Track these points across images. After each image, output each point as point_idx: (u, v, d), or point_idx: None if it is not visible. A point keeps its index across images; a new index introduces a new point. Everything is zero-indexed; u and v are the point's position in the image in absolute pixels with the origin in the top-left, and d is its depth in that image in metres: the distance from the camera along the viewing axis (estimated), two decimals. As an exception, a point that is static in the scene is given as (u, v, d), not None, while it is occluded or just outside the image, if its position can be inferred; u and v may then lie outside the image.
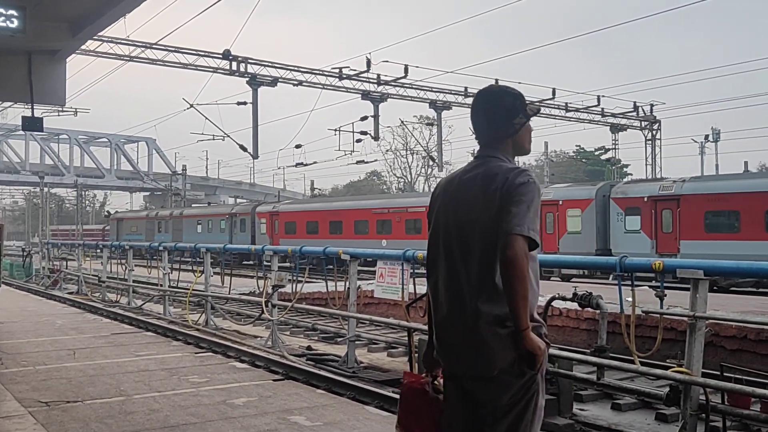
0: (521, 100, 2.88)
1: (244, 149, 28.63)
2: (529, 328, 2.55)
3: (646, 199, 23.01)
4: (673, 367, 6.20)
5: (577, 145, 67.58)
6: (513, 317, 2.54)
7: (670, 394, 6.12)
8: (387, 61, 29.30)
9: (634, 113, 38.23)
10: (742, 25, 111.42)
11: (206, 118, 29.38)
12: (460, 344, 2.70)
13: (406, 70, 29.85)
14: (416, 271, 9.37)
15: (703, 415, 5.99)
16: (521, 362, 2.58)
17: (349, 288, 10.16)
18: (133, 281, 17.85)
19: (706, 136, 47.98)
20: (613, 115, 37.93)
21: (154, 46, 26.37)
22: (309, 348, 11.82)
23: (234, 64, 27.37)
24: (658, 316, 7.36)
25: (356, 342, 10.76)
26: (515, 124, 2.84)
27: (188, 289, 14.51)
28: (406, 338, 9.07)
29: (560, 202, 25.32)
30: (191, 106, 28.18)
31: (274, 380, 7.31)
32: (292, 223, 36.91)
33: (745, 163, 45.26)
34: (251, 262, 32.01)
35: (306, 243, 31.83)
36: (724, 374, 6.57)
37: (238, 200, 67.30)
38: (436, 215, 2.89)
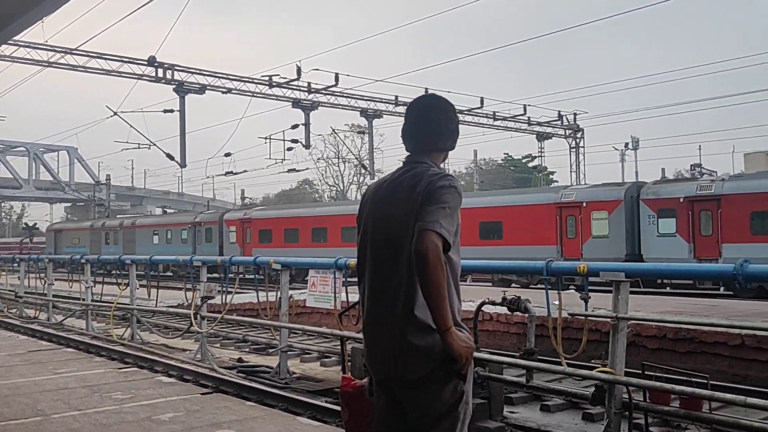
0: (455, 111, 2.94)
1: (171, 158, 28.02)
2: (451, 328, 2.53)
3: (682, 199, 21.36)
4: (598, 367, 6.37)
5: (505, 153, 68.97)
6: (433, 317, 2.52)
7: (595, 393, 6.28)
8: (318, 70, 29.28)
9: (559, 122, 39.33)
10: (666, 37, 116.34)
11: (131, 126, 28.59)
12: (387, 349, 2.69)
13: (336, 79, 29.88)
14: (349, 279, 9.34)
15: (627, 412, 6.18)
16: (448, 368, 2.58)
17: (280, 298, 10.03)
18: (54, 296, 17.15)
19: (627, 144, 49.73)
20: (539, 124, 38.91)
21: (74, 52, 25.55)
22: (240, 360, 11.60)
23: (160, 71, 26.79)
24: (584, 318, 7.57)
25: (288, 352, 10.62)
26: (453, 133, 2.89)
27: (113, 303, 14.05)
28: (339, 347, 9.01)
29: (584, 204, 23.33)
30: (115, 113, 27.39)
31: (203, 394, 7.12)
32: (267, 231, 34.59)
33: (662, 169, 47.08)
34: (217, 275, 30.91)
35: (285, 252, 30.17)
36: (646, 372, 6.78)
37: (167, 210, 65.66)
38: (365, 220, 2.88)
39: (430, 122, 2.87)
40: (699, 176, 32.39)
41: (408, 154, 2.92)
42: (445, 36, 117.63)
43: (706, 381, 6.42)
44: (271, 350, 12.25)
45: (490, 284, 24.12)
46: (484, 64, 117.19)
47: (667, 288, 21.78)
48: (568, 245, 23.48)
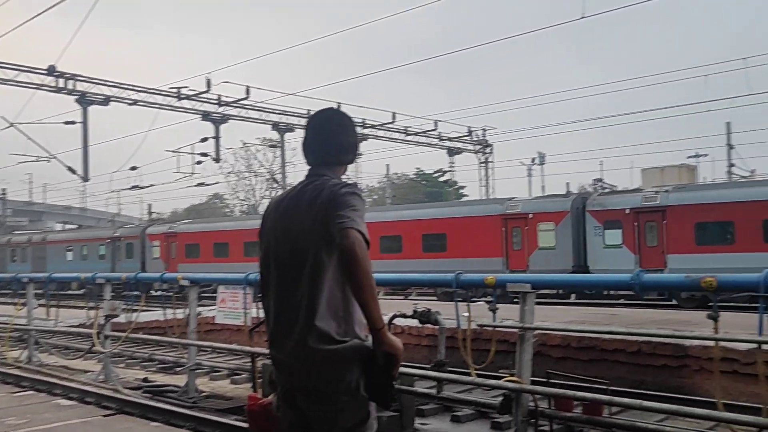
0: (353, 124, 2.98)
1: (73, 171, 26.91)
2: (385, 327, 2.56)
3: (628, 211, 21.57)
4: (506, 377, 6.55)
5: (417, 168, 69.95)
6: (366, 316, 2.54)
7: (503, 402, 6.45)
8: (228, 82, 28.95)
9: (469, 137, 40.29)
10: (574, 54, 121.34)
11: (29, 138, 27.28)
12: (292, 362, 2.69)
13: (247, 92, 29.56)
14: (260, 295, 9.20)
15: (533, 420, 6.37)
16: (354, 380, 2.60)
17: (189, 315, 9.78)
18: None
19: (533, 159, 51.45)
20: (450, 139, 39.72)
21: (-35, 60, 24.19)
22: (146, 380, 11.21)
23: (61, 80, 25.69)
24: (492, 329, 7.76)
25: (197, 371, 10.36)
26: (353, 147, 2.93)
27: (8, 324, 13.29)
28: (250, 364, 8.86)
29: (530, 216, 23.31)
30: (11, 125, 26.07)
31: (105, 416, 6.84)
32: (195, 246, 33.24)
33: (567, 184, 49.04)
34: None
35: (214, 268, 29.12)
36: (551, 380, 7.02)
37: (67, 226, 62.80)
38: (267, 234, 2.87)
39: (330, 136, 2.90)
40: (601, 190, 33.77)
41: (311, 167, 2.93)
42: (358, 50, 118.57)
43: (606, 387, 6.70)
44: (179, 369, 11.90)
45: (435, 298, 23.62)
46: (396, 79, 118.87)
47: (621, 300, 21.66)
48: (514, 257, 23.39)
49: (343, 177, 2.93)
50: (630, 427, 6.32)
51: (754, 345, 5.66)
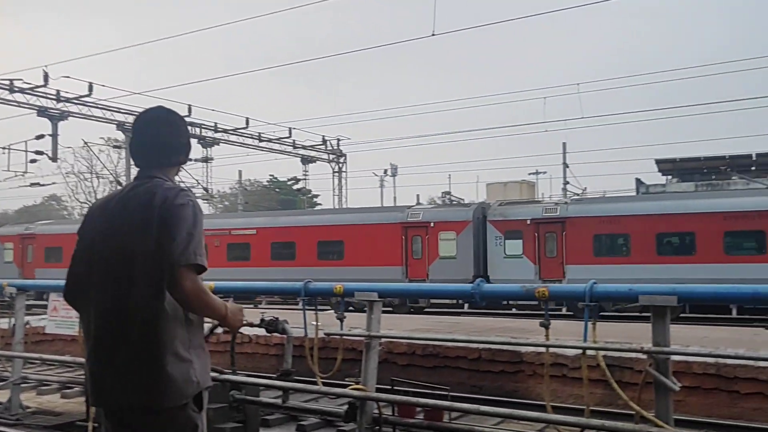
0: (185, 124, 2.87)
1: None
2: (227, 315, 2.63)
3: (529, 221, 21.88)
4: (352, 384, 6.60)
5: (270, 175, 69.26)
6: (209, 317, 2.63)
7: (348, 410, 6.50)
8: (69, 77, 27.10)
9: (323, 146, 40.47)
10: (427, 69, 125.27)
11: None
12: (127, 376, 2.54)
13: (90, 88, 27.97)
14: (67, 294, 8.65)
15: (377, 427, 6.47)
16: (183, 395, 2.52)
17: (15, 325, 9.02)
18: None
19: (386, 171, 52.61)
20: (304, 147, 39.70)
21: None
22: (-39, 397, 10.19)
23: None
24: (339, 338, 7.81)
25: (23, 385, 9.56)
26: (185, 147, 2.81)
27: None
28: (83, 376, 8.32)
29: (431, 224, 23.16)
30: None
31: None
32: (57, 249, 30.00)
33: (417, 196, 50.59)
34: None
35: None
36: (395, 388, 7.16)
37: None
38: (90, 238, 2.70)
39: (161, 136, 2.77)
40: (449, 203, 35.06)
41: (140, 169, 2.78)
42: (211, 53, 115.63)
43: (447, 393, 6.94)
44: (1, 383, 10.93)
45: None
46: (250, 84, 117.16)
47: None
48: (414, 266, 23.26)
49: (176, 178, 2.82)
50: (468, 431, 6.58)
51: (580, 351, 6.09)
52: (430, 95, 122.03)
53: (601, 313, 19.53)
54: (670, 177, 35.11)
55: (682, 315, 19.44)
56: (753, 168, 33.04)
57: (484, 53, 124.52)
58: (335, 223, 25.51)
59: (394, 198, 53.05)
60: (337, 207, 39.19)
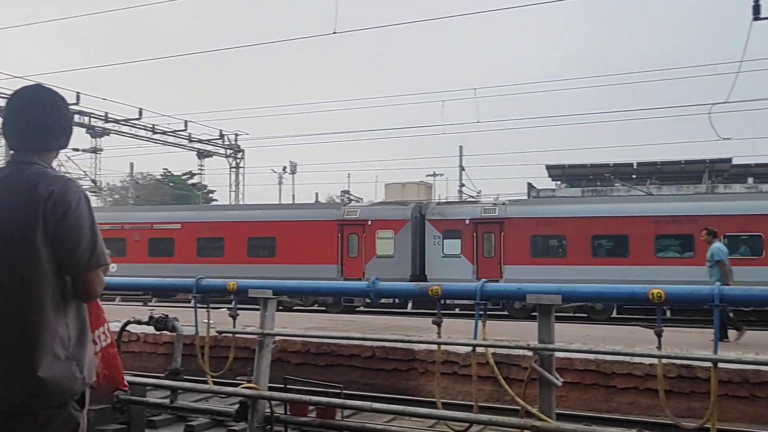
0: (67, 105, 2.70)
1: None
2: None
3: (467, 221, 21.83)
4: (243, 383, 6.49)
5: (164, 168, 67.11)
6: None
7: (239, 410, 6.38)
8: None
9: (220, 141, 39.62)
10: (327, 66, 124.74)
11: None
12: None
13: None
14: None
15: (269, 426, 6.39)
16: (65, 394, 2.39)
17: None
18: None
19: (285, 168, 52.10)
20: (200, 141, 38.72)
21: None
22: None
23: None
24: (232, 336, 7.65)
25: None
26: (66, 131, 2.65)
27: None
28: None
29: (369, 223, 22.78)
30: None
31: None
32: None
33: (316, 194, 50.41)
34: None
35: None
36: (288, 386, 7.10)
37: None
38: None
39: (41, 118, 2.56)
40: (348, 202, 35.04)
41: (14, 152, 2.57)
42: (103, 38, 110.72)
43: (339, 391, 6.94)
44: None
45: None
46: (144, 73, 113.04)
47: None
48: (350, 265, 22.83)
49: (62, 169, 2.67)
50: (360, 428, 6.60)
51: (470, 348, 6.25)
52: (331, 94, 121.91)
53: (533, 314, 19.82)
54: (559, 182, 36.72)
55: (612, 316, 20.29)
56: (634, 176, 35.06)
57: (385, 54, 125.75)
58: (267, 219, 24.63)
59: (293, 196, 52.66)
60: (233, 203, 38.44)
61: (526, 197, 30.40)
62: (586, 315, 20.25)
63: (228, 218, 25.12)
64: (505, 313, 20.30)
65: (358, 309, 22.36)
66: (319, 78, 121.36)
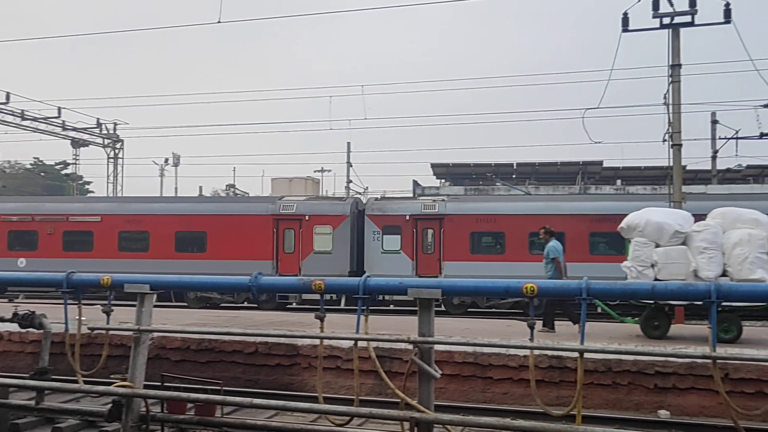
0: None
1: None
2: None
3: (408, 217, 21.64)
4: (117, 382, 6.24)
5: (35, 158, 63.17)
6: None
7: (112, 409, 6.13)
8: None
9: (98, 130, 37.76)
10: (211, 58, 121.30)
11: None
12: None
13: None
14: None
15: (144, 425, 6.18)
16: None
17: None
18: None
19: (167, 159, 50.40)
20: (75, 129, 36.73)
21: None
22: None
23: None
24: (105, 332, 7.33)
25: None
26: None
27: None
28: None
29: (306, 218, 22.15)
30: None
31: None
32: None
33: (200, 187, 49.11)
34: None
35: None
36: (166, 384, 6.89)
37: None
38: None
39: None
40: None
41: None
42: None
43: (219, 387, 6.81)
44: None
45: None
46: (12, 54, 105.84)
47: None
48: (285, 261, 22.14)
49: None
50: (240, 425, 6.53)
51: (352, 342, 6.30)
52: (216, 85, 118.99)
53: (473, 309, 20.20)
54: (443, 180, 37.64)
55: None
56: (514, 176, 36.51)
57: (273, 47, 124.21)
58: (197, 212, 23.46)
59: (176, 188, 51.05)
60: (111, 195, 36.72)
61: (411, 194, 30.90)
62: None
63: (153, 211, 23.91)
64: (443, 309, 20.61)
65: (290, 306, 21.95)
66: (204, 68, 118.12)
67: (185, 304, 21.61)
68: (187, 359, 10.64)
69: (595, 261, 19.95)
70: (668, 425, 7.96)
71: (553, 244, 12.46)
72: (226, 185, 40.21)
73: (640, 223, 11.28)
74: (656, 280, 10.81)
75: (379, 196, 25.39)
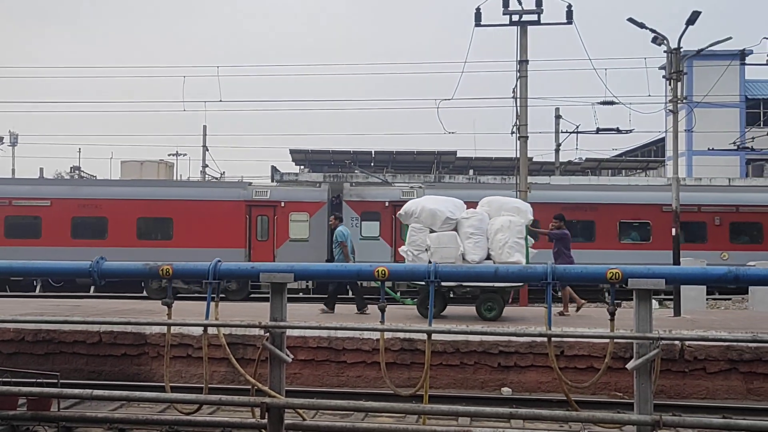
0: None
1: None
2: None
3: (387, 203, 21.52)
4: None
5: None
6: None
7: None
8: None
9: None
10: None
11: None
12: None
13: None
14: None
15: (-32, 424, 5.69)
16: None
17: None
18: None
19: (1, 138, 46.53)
20: None
21: None
22: None
23: None
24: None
25: None
26: None
27: None
28: None
29: (282, 204, 21.42)
30: None
31: None
32: None
33: (41, 169, 45.70)
34: None
35: None
36: (-5, 379, 6.38)
37: None
38: None
39: None
40: (79, 178, 32.14)
41: None
42: None
43: (56, 380, 6.41)
44: None
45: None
46: None
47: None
48: (258, 249, 21.26)
49: None
50: (79, 418, 6.18)
51: (201, 329, 6.14)
52: (60, 58, 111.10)
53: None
54: (302, 167, 37.47)
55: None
56: (372, 164, 37.01)
57: (123, 19, 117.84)
58: (161, 197, 21.90)
59: (13, 170, 47.20)
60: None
61: (269, 180, 30.52)
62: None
63: (112, 195, 22.09)
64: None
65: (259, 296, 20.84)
66: (45, 39, 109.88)
67: (32, 292, 20.28)
68: (22, 351, 9.91)
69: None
70: (509, 401, 8.42)
71: (341, 229, 13.13)
72: (71, 167, 37.69)
73: (416, 210, 11.96)
74: (430, 262, 11.51)
75: (353, 182, 24.86)
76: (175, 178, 36.76)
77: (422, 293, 11.79)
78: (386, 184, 25.46)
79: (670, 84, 15.03)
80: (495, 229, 11.54)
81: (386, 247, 21.90)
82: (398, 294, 13.88)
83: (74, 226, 21.78)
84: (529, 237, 11.91)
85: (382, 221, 22.08)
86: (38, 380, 6.51)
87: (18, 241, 21.41)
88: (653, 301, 5.83)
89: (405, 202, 22.73)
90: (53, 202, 22.03)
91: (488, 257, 11.53)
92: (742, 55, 22.58)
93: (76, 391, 5.98)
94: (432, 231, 11.66)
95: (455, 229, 11.66)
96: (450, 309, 12.15)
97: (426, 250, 11.57)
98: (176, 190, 23.85)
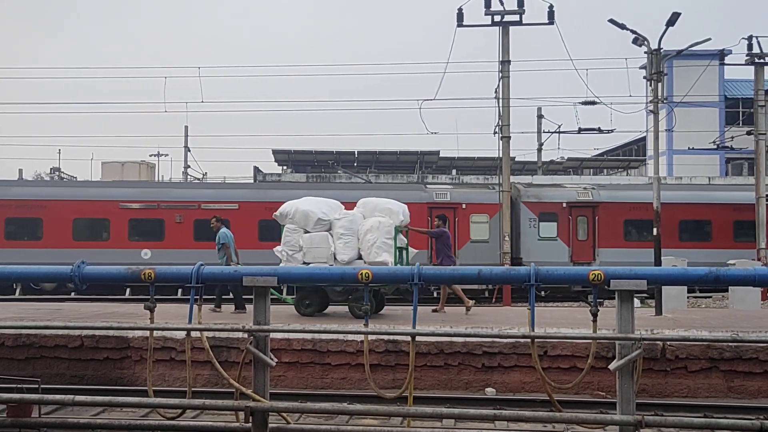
0: None
1: None
2: None
3: (564, 204, 21.97)
4: None
5: None
6: None
7: None
8: None
9: None
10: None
11: None
12: None
13: None
14: None
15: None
16: None
17: None
18: None
19: (-20, 139, 45.98)
20: None
21: None
22: None
23: None
24: None
25: None
26: None
27: None
28: None
29: (463, 206, 21.99)
30: None
31: None
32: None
33: (20, 170, 45.16)
34: None
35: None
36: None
37: None
38: None
39: None
40: (60, 179, 31.73)
41: None
42: None
43: (37, 386, 6.34)
44: None
45: None
46: None
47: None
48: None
49: None
50: (61, 424, 6.12)
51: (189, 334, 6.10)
52: (39, 57, 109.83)
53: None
54: (285, 167, 37.35)
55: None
56: (355, 164, 36.97)
57: (103, 19, 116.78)
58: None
59: (-9, 171, 46.59)
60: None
61: (252, 181, 30.35)
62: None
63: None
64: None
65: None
66: (23, 38, 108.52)
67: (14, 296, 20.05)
68: (2, 357, 9.80)
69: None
70: (494, 402, 8.45)
71: (224, 231, 13.12)
72: (51, 168, 37.29)
73: (291, 211, 12.11)
74: (304, 263, 11.80)
75: (529, 184, 24.69)
76: (156, 178, 36.44)
77: (300, 292, 12.21)
78: (560, 185, 25.17)
79: (650, 84, 15.17)
80: (365, 230, 11.83)
81: (564, 247, 22.22)
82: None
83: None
84: (402, 236, 12.34)
85: (560, 222, 22.36)
86: (18, 386, 6.43)
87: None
88: (635, 299, 5.87)
89: (581, 203, 23.05)
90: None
91: (360, 257, 11.82)
92: (721, 56, 22.78)
93: (58, 396, 5.91)
94: (306, 231, 11.88)
95: (329, 230, 11.90)
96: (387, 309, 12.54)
97: (299, 250, 11.81)
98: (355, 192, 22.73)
